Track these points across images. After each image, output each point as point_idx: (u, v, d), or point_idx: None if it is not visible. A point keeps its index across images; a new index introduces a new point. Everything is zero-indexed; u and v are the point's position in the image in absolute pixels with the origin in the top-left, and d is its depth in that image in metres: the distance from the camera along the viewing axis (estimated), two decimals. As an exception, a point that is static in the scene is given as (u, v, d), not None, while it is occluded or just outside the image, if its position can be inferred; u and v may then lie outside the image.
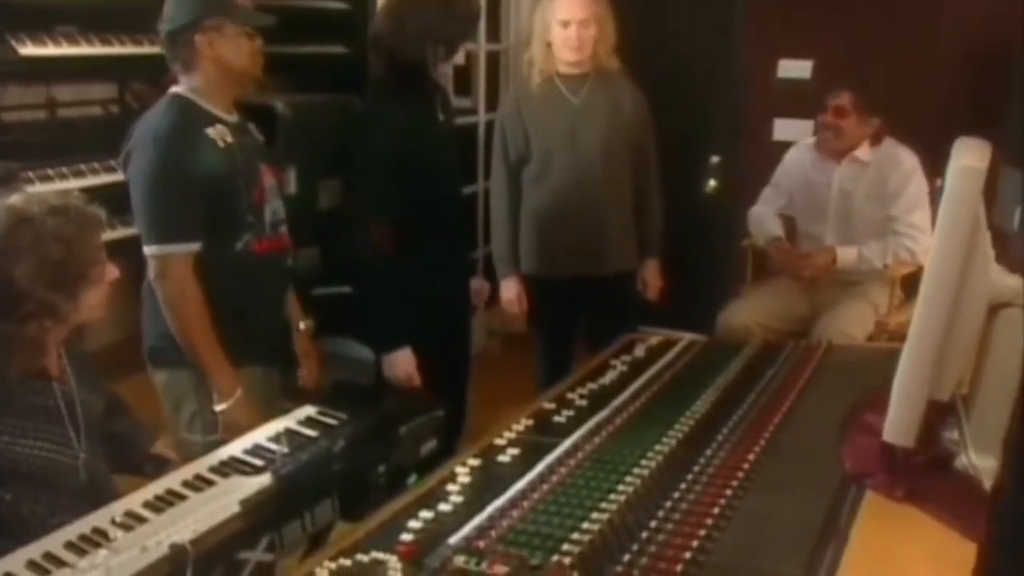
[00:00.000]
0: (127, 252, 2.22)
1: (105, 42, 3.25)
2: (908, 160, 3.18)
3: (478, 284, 3.04)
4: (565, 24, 2.91)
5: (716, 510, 1.46)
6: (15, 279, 1.59)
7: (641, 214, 3.12)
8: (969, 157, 1.35)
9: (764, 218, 3.44)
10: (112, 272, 1.77)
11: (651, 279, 3.17)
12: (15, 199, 1.66)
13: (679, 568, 1.30)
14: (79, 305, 1.69)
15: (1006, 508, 0.63)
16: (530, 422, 1.89)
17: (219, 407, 2.18)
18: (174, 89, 2.22)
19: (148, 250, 2.15)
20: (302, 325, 2.48)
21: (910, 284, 3.17)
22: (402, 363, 2.59)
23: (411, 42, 2.55)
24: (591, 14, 2.91)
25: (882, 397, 1.47)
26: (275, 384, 2.36)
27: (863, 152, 3.25)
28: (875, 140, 3.27)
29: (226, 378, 2.19)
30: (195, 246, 2.15)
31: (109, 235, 2.95)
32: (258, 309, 2.29)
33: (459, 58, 2.80)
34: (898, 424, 1.38)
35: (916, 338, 1.39)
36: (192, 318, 2.15)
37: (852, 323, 3.10)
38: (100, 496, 1.68)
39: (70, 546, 1.41)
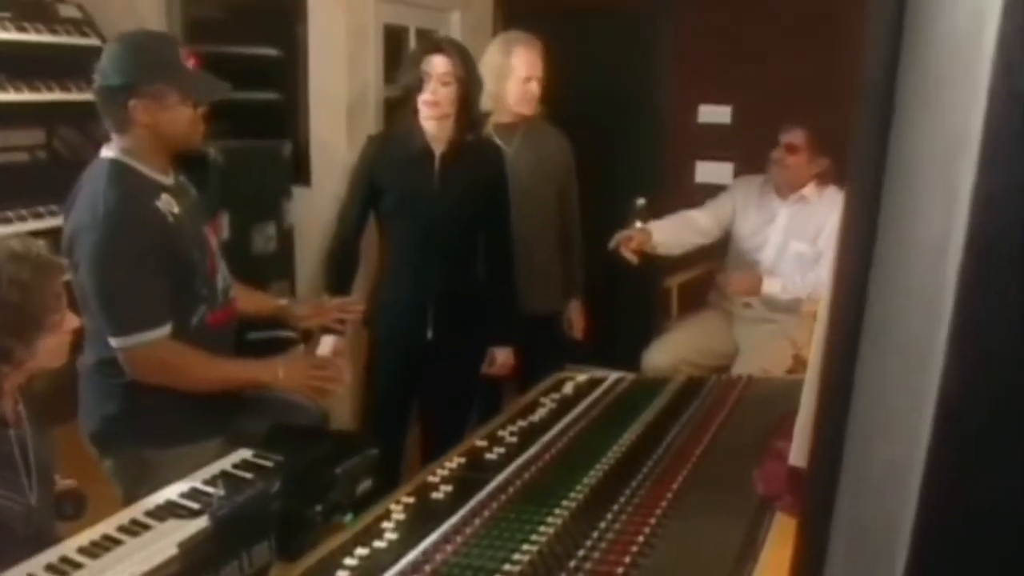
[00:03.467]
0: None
1: (33, 88, 3.24)
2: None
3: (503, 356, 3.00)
4: (527, 80, 3.00)
5: (641, 537, 1.53)
6: None
7: (565, 256, 3.23)
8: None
9: (684, 225, 3.47)
10: (72, 321, 1.76)
11: (576, 319, 3.28)
12: None
13: (605, 593, 1.37)
14: (34, 352, 1.68)
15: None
16: (463, 459, 1.94)
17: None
18: (107, 154, 2.02)
19: (116, 343, 1.97)
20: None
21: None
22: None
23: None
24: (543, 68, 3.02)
25: (791, 424, 1.57)
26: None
27: (809, 191, 3.35)
28: (822, 180, 3.35)
29: (258, 370, 2.16)
30: (167, 328, 1.99)
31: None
32: None
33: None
34: (802, 448, 1.48)
35: (815, 367, 1.49)
36: (196, 377, 2.05)
37: (771, 358, 3.22)
38: (43, 545, 1.67)
39: (4, 594, 1.41)
